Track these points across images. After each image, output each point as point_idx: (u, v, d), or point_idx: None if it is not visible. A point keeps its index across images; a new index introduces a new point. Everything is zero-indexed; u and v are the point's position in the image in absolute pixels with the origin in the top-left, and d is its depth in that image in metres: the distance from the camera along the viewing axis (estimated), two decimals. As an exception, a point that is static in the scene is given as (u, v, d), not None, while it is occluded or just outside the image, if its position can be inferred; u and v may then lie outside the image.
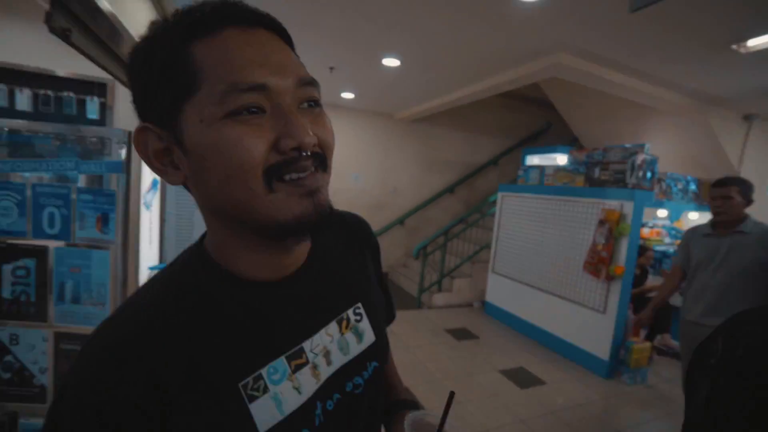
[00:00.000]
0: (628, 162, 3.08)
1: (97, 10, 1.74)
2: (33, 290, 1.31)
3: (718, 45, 2.51)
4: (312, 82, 0.40)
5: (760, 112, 3.84)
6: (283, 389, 0.42)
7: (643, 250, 3.45)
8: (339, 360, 0.48)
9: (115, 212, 1.33)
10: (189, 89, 0.36)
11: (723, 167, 3.98)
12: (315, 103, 0.41)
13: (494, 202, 4.55)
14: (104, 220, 1.31)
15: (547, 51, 2.84)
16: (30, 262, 1.30)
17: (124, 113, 3.06)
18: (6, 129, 1.34)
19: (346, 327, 0.50)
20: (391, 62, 3.43)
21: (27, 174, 1.31)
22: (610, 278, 3.04)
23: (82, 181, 1.36)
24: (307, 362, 0.45)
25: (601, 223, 3.13)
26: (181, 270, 0.44)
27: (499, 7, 2.27)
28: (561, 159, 4.58)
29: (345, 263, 0.55)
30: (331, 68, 3.80)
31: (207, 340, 0.39)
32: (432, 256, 5.07)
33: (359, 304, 0.53)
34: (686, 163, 4.28)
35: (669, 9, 1.97)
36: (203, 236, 0.47)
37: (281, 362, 0.43)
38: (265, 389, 0.41)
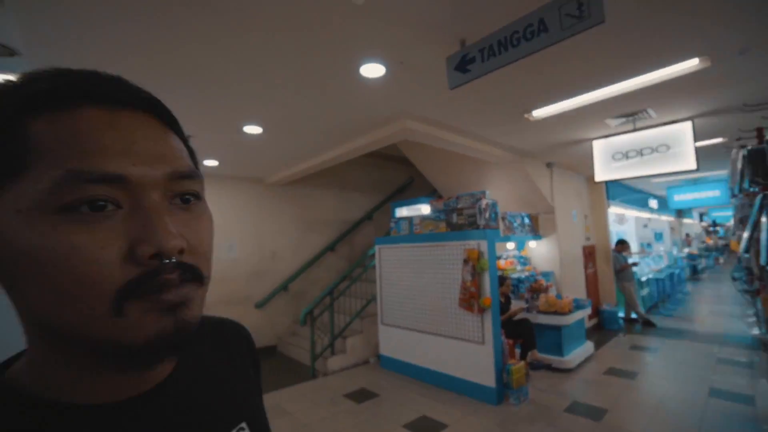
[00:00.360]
0: (476, 206, 3.61)
1: None
2: None
3: (514, 114, 3.27)
4: (191, 175, 0.34)
5: (555, 160, 5.06)
6: None
7: (502, 279, 3.97)
8: None
9: None
10: (12, 168, 0.28)
11: (542, 202, 5.01)
12: (193, 197, 0.34)
13: (373, 255, 4.72)
14: None
15: (394, 118, 3.24)
16: None
17: None
18: None
19: None
20: (252, 129, 3.41)
21: None
22: (481, 310, 3.37)
23: None
24: None
25: (465, 261, 3.52)
26: None
27: (348, 83, 2.53)
28: (425, 209, 5.10)
29: (224, 376, 0.45)
30: (188, 136, 3.55)
31: None
32: (320, 319, 4.87)
33: (243, 424, 0.42)
34: (518, 202, 5.25)
35: (477, 86, 2.49)
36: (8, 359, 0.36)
37: None
38: None
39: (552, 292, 4.57)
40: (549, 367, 4.07)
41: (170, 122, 0.36)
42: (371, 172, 6.65)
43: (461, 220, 3.74)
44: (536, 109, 3.18)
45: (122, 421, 0.33)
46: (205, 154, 4.22)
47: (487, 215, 3.57)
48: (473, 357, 3.43)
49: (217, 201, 5.15)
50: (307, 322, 4.51)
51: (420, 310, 3.97)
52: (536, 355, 4.06)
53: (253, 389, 0.49)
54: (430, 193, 6.67)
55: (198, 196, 0.35)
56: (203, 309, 0.35)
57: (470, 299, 3.45)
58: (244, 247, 5.36)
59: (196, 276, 0.32)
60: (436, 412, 3.18)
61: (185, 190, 0.33)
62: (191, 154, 0.38)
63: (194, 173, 0.34)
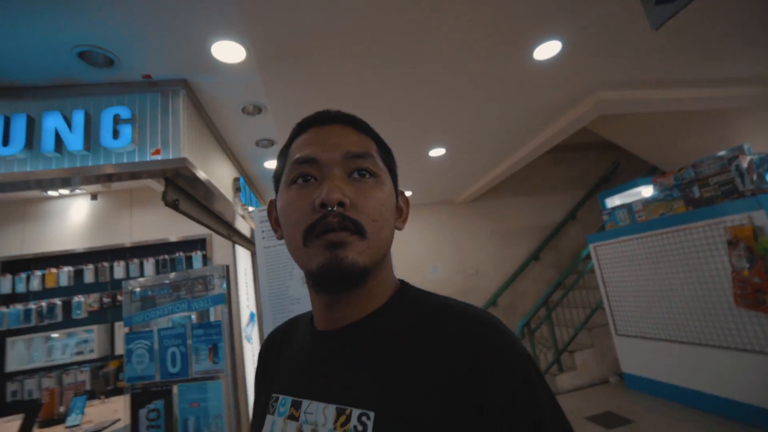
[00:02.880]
0: (731, 168, 2.70)
1: (197, 180, 2.19)
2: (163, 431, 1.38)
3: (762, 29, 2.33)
4: (361, 155, 0.47)
5: None
6: (278, 424, 0.46)
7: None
8: None
9: (223, 341, 1.44)
10: (282, 169, 0.52)
11: None
12: (366, 173, 0.47)
13: (588, 257, 4.11)
14: (215, 351, 1.42)
15: (581, 95, 2.86)
16: (159, 404, 1.41)
17: (219, 260, 3.53)
18: (138, 288, 1.60)
19: (342, 425, 0.40)
20: (437, 152, 3.66)
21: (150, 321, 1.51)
22: (777, 308, 2.39)
23: (194, 320, 1.52)
24: (297, 420, 0.44)
25: (732, 244, 2.62)
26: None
27: (522, 73, 2.42)
28: (645, 191, 4.15)
29: (399, 362, 0.41)
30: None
31: (288, 353, 0.54)
32: (538, 331, 4.51)
33: (371, 414, 0.39)
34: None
35: (684, 14, 1.93)
36: None
37: (288, 401, 0.47)
38: (273, 413, 0.48)
39: None
40: None
41: (362, 129, 0.52)
42: (564, 168, 5.97)
43: (708, 191, 2.86)
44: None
45: (317, 342, 0.50)
46: (401, 186, 4.78)
47: (754, 176, 2.60)
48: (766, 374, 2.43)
49: (415, 227, 5.68)
50: (524, 335, 4.26)
51: (670, 316, 3.15)
52: None
53: (442, 407, 0.37)
54: (647, 173, 5.42)
55: (371, 173, 0.47)
56: (369, 260, 0.44)
57: (755, 294, 2.51)
58: (447, 267, 5.64)
59: (357, 227, 0.43)
60: (729, 449, 2.36)
61: (358, 167, 0.47)
62: (386, 152, 0.54)
63: (364, 154, 0.48)
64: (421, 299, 0.48)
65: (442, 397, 0.37)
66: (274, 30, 1.84)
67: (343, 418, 0.41)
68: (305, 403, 0.44)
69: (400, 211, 0.55)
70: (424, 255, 5.63)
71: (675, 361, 3.13)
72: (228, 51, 1.96)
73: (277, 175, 0.53)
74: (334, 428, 0.40)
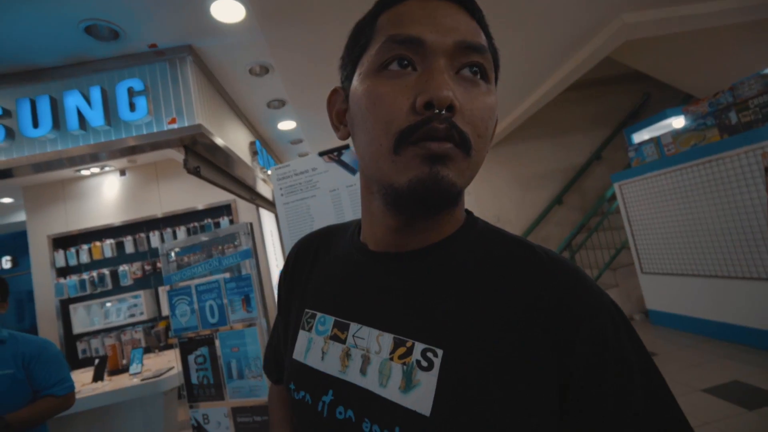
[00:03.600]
0: (772, 89, 2.49)
1: (215, 147, 2.25)
2: (210, 374, 1.56)
3: None
4: (479, 49, 0.36)
5: None
6: (316, 343, 0.44)
7: None
8: (370, 383, 0.37)
9: (254, 292, 1.55)
10: (364, 49, 0.39)
11: None
12: (478, 71, 0.37)
13: (613, 197, 4.01)
14: (247, 301, 1.55)
15: (603, 19, 2.64)
16: (204, 350, 1.57)
17: (244, 221, 3.69)
18: (173, 251, 1.73)
19: (401, 357, 0.37)
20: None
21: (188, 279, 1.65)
22: (813, 234, 2.30)
23: (226, 275, 1.64)
24: (344, 342, 0.41)
25: (768, 171, 2.48)
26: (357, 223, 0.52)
27: (538, 3, 2.25)
28: (677, 122, 3.91)
29: (471, 298, 0.37)
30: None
31: (324, 265, 0.50)
32: (562, 275, 4.54)
33: (439, 351, 0.35)
34: None
35: None
36: None
37: (330, 321, 0.43)
38: (309, 329, 0.45)
39: None
40: None
41: (477, 16, 0.39)
42: (589, 105, 5.64)
43: (747, 116, 2.67)
44: None
45: (372, 262, 0.44)
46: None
47: (796, 95, 2.40)
48: (812, 302, 2.39)
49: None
50: (548, 279, 4.31)
51: (699, 250, 3.08)
52: None
53: (516, 356, 0.34)
54: (680, 102, 5.06)
55: (485, 74, 0.37)
56: (465, 183, 0.37)
57: (788, 222, 2.41)
58: (468, 217, 5.65)
59: (463, 140, 0.34)
60: (754, 377, 2.40)
61: (471, 61, 0.36)
62: (495, 53, 0.41)
63: (482, 48, 0.37)
64: (493, 233, 0.43)
65: (518, 338, 0.34)
66: (270, -18, 1.78)
67: (402, 350, 0.37)
68: (354, 326, 0.41)
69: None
70: (444, 207, 5.65)
71: (701, 295, 3.12)
72: (227, 10, 1.92)
73: (353, 55, 0.41)
74: (390, 358, 0.37)
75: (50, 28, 1.85)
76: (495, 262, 0.38)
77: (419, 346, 0.36)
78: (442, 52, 0.35)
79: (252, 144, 3.20)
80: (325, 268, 0.49)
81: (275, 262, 3.94)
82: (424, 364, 0.35)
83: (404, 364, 0.36)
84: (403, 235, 0.41)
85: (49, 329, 3.56)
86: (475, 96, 0.36)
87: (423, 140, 0.33)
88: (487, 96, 0.37)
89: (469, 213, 0.45)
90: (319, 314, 0.45)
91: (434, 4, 0.37)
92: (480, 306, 0.36)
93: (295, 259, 0.55)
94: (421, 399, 0.34)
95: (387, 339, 0.38)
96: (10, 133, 2.05)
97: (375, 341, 0.39)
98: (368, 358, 0.38)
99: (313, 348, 0.43)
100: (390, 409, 0.35)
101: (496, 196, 5.71)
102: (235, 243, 1.61)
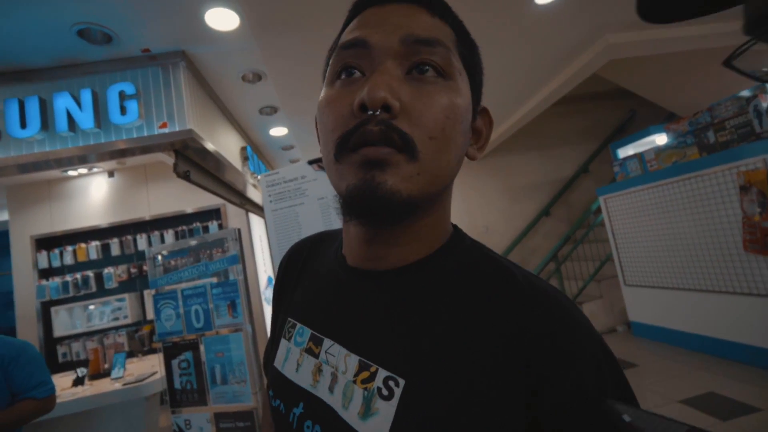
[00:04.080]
0: (749, 110, 2.60)
1: (206, 151, 2.26)
2: (194, 378, 1.55)
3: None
4: (429, 42, 0.34)
5: None
6: (293, 353, 0.43)
7: (820, 205, 2.69)
8: (336, 402, 0.36)
9: (240, 298, 1.56)
10: (327, 62, 0.40)
11: None
12: (430, 68, 0.34)
13: (598, 210, 4.10)
14: (233, 306, 1.55)
15: (588, 39, 2.74)
16: (189, 355, 1.57)
17: (233, 226, 3.68)
18: (160, 255, 1.73)
19: (364, 382, 0.35)
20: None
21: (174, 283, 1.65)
22: (785, 251, 2.39)
23: (212, 280, 1.65)
24: (317, 357, 0.40)
25: (744, 189, 2.58)
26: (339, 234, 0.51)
27: (522, 20, 2.33)
28: (660, 139, 4.04)
29: (444, 327, 0.34)
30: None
31: (310, 275, 0.49)
32: (548, 285, 4.61)
33: (401, 381, 0.33)
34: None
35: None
36: None
37: (307, 333, 0.42)
38: (289, 339, 0.45)
39: None
40: None
41: (438, 10, 0.37)
42: (577, 119, 5.79)
43: (724, 136, 2.77)
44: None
45: (348, 278, 0.42)
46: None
47: (770, 117, 2.51)
48: (783, 316, 2.47)
49: (425, 189, 5.72)
50: (534, 289, 4.37)
51: (679, 264, 3.17)
52: None
53: (484, 386, 0.31)
54: (664, 120, 5.22)
55: (440, 70, 0.34)
56: (417, 190, 0.33)
57: (764, 238, 2.50)
58: (458, 225, 5.71)
59: (405, 143, 0.31)
60: (728, 389, 2.47)
61: (421, 59, 0.34)
62: (469, 47, 0.39)
63: (433, 41, 0.34)
64: (478, 253, 0.39)
65: (490, 375, 0.31)
66: (265, -7, 1.82)
67: (366, 374, 0.35)
68: (327, 342, 0.39)
69: (478, 133, 0.42)
70: (434, 216, 5.71)
71: (682, 308, 3.20)
72: (221, 18, 1.95)
73: (323, 73, 0.40)
74: (354, 381, 0.35)
75: (42, 29, 1.85)
76: (473, 290, 0.35)
77: (382, 373, 0.34)
78: (388, 52, 0.34)
79: (243, 149, 3.22)
80: (310, 278, 0.48)
81: (263, 268, 3.93)
82: (385, 392, 0.33)
83: (366, 389, 0.34)
84: (375, 247, 0.38)
85: (28, 332, 3.47)
86: (426, 94, 0.33)
87: (360, 146, 0.32)
88: (444, 93, 0.34)
89: (456, 229, 0.43)
90: (299, 325, 0.44)
91: (390, 8, 0.36)
92: (453, 337, 0.33)
93: (285, 265, 0.54)
94: (377, 428, 0.32)
95: (353, 360, 0.36)
96: (-4, 133, 2.04)
97: (343, 360, 0.37)
98: (336, 376, 0.37)
99: (290, 358, 0.43)
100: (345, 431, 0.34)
101: (485, 207, 5.78)
102: (224, 248, 1.62)
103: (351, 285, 0.41)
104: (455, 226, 0.43)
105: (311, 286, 0.47)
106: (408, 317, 0.36)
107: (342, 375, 0.36)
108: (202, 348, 1.56)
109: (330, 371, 0.38)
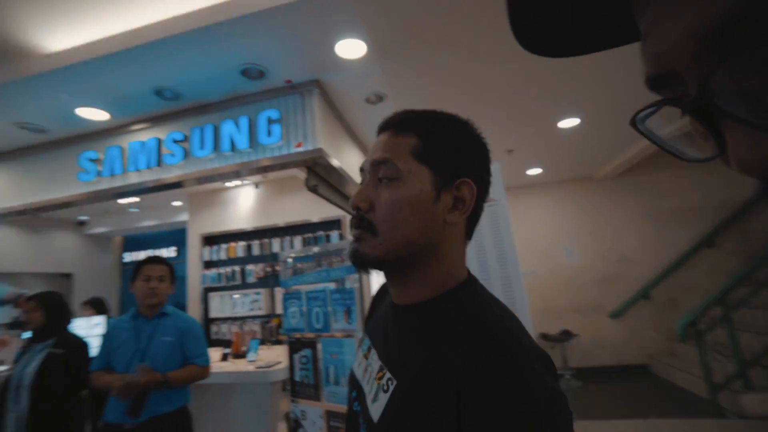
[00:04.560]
0: None
1: (331, 168, 2.50)
2: (311, 374, 1.69)
3: None
4: (381, 162, 0.52)
5: None
6: (359, 356, 0.62)
7: None
8: (368, 390, 0.54)
9: (355, 306, 1.65)
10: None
11: None
12: (385, 178, 0.52)
13: (792, 241, 3.13)
14: (349, 313, 1.65)
15: None
16: (308, 352, 1.72)
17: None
18: (290, 259, 1.95)
19: (379, 379, 0.52)
20: (569, 123, 3.29)
21: (301, 285, 1.83)
22: None
23: (332, 285, 1.78)
24: (367, 360, 0.58)
25: None
26: None
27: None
28: None
29: (421, 356, 0.47)
30: (510, 150, 3.93)
31: (381, 305, 0.66)
32: (709, 335, 3.68)
33: (395, 382, 0.49)
34: None
35: None
36: None
37: (366, 343, 0.61)
38: (359, 347, 0.64)
39: None
40: None
41: (404, 129, 0.53)
42: (756, 127, 4.59)
43: None
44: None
45: (389, 311, 0.58)
46: (528, 163, 4.46)
47: None
48: None
49: (545, 207, 5.24)
50: (687, 339, 3.55)
51: None
52: None
53: (435, 400, 0.42)
54: None
55: (389, 178, 0.51)
56: (382, 253, 0.50)
57: None
58: (585, 252, 5.06)
59: (369, 225, 0.51)
60: None
61: (378, 174, 0.52)
62: (434, 144, 0.52)
63: (383, 161, 0.51)
64: (466, 304, 0.49)
65: (442, 395, 0.41)
66: (389, 25, 1.95)
67: (381, 374, 0.52)
68: (373, 351, 0.58)
69: (462, 201, 0.52)
70: (555, 238, 5.17)
71: None
72: (350, 47, 2.15)
73: None
74: (375, 378, 0.53)
75: (218, 72, 2.32)
76: (447, 333, 0.47)
77: (387, 374, 0.51)
78: (367, 170, 0.54)
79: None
80: (380, 308, 0.66)
81: (377, 279, 4.12)
82: (385, 387, 0.50)
83: (378, 384, 0.51)
84: (395, 288, 0.56)
85: (194, 310, 4.34)
86: (380, 194, 0.51)
87: (352, 228, 0.54)
88: (389, 191, 0.50)
89: (469, 277, 0.54)
90: (366, 338, 0.63)
91: (379, 138, 0.55)
92: (429, 360, 0.46)
93: (377, 297, 0.73)
94: (377, 410, 0.49)
95: (378, 364, 0.54)
96: (185, 154, 2.62)
97: (375, 364, 0.55)
98: (371, 374, 0.55)
99: (357, 359, 0.63)
100: (367, 411, 0.52)
101: (620, 232, 5.01)
102: (342, 256, 1.75)
103: (389, 312, 0.58)
104: (469, 275, 0.55)
105: (379, 311, 0.64)
106: (408, 340, 0.51)
107: (372, 373, 0.54)
108: (319, 347, 1.69)
109: (369, 370, 0.56)
